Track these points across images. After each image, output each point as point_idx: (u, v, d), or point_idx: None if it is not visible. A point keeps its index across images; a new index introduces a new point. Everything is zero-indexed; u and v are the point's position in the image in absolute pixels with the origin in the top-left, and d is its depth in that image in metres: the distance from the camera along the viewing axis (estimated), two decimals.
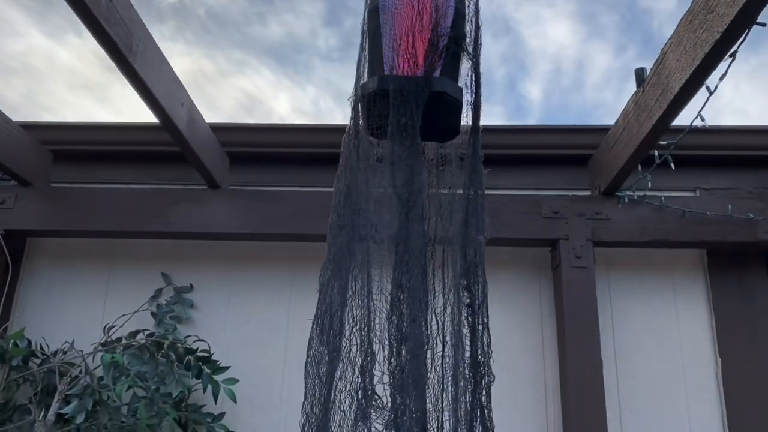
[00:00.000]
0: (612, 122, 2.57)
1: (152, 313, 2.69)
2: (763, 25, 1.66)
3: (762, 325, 2.62)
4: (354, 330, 1.19)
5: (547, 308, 2.70)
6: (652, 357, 2.63)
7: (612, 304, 2.69)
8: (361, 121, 1.30)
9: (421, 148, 1.22)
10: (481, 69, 1.31)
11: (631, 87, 2.36)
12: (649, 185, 2.54)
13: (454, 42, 1.25)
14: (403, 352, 1.14)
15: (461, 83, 1.32)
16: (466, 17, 1.30)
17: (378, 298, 1.16)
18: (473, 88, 1.31)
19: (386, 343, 1.15)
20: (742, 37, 1.70)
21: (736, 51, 1.74)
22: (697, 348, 2.64)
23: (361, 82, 1.30)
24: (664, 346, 2.64)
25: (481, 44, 1.32)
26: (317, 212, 2.67)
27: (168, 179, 2.92)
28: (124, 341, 2.49)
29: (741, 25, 1.65)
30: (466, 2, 1.31)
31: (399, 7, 1.24)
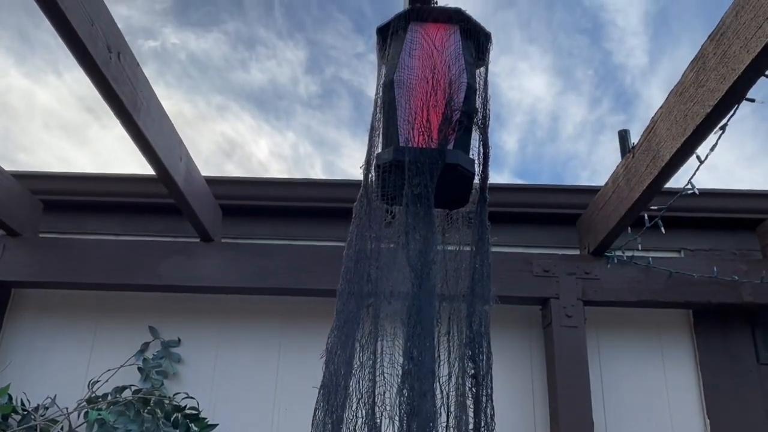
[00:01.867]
0: (586, 174, 2.71)
1: (139, 368, 2.64)
2: (753, 101, 1.73)
3: (748, 385, 2.66)
4: (360, 402, 1.19)
5: (538, 366, 2.71)
6: (642, 418, 2.64)
7: (601, 363, 2.71)
8: (374, 189, 1.32)
9: (434, 219, 1.25)
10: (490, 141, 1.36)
11: (605, 140, 2.47)
12: (639, 247, 2.60)
13: (466, 116, 1.29)
14: (414, 427, 1.13)
15: (471, 153, 1.36)
16: (477, 92, 1.34)
17: (389, 371, 1.16)
18: (482, 159, 1.35)
19: (396, 417, 1.14)
20: (732, 112, 1.78)
21: (726, 124, 1.82)
22: (685, 408, 2.66)
23: (375, 152, 1.33)
24: (653, 407, 2.66)
25: (489, 117, 1.37)
26: (309, 266, 2.67)
27: (159, 231, 2.91)
28: (109, 397, 2.43)
29: (731, 100, 1.73)
30: (477, 78, 1.35)
31: (414, 83, 1.28)
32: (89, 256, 2.70)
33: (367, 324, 1.19)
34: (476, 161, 1.35)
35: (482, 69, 1.39)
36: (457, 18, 1.35)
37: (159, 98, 2.13)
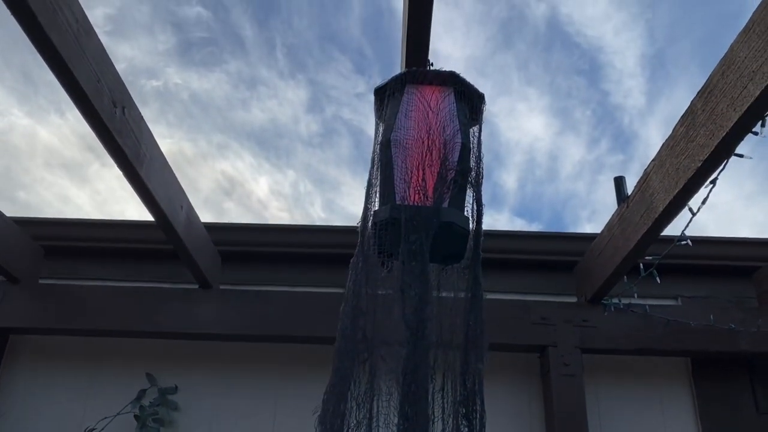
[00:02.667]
0: (585, 213, 2.72)
1: (135, 416, 2.62)
2: (741, 156, 1.77)
3: None
4: None
5: (537, 415, 2.69)
6: None
7: (600, 411, 2.70)
8: (370, 245, 1.34)
9: (430, 276, 1.27)
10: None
11: (604, 179, 2.49)
12: (635, 296, 2.61)
13: (461, 175, 1.33)
14: None
15: (465, 211, 1.39)
16: (471, 151, 1.38)
17: (384, 430, 1.17)
18: (475, 217, 1.38)
19: None
20: (722, 166, 1.82)
21: (716, 178, 1.85)
22: None
23: (372, 208, 1.36)
24: None
25: (483, 176, 1.40)
26: (307, 313, 2.68)
27: (158, 277, 2.92)
28: None
29: (720, 155, 1.77)
30: (471, 137, 1.39)
31: (410, 143, 1.32)
32: (87, 302, 2.71)
33: (363, 382, 1.21)
34: (470, 218, 1.38)
35: (476, 128, 1.43)
36: (451, 80, 1.40)
37: (161, 137, 2.17)
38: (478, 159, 1.40)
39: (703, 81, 1.81)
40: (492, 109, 1.48)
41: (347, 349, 1.24)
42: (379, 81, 1.48)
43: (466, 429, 1.23)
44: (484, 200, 1.40)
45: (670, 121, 2.04)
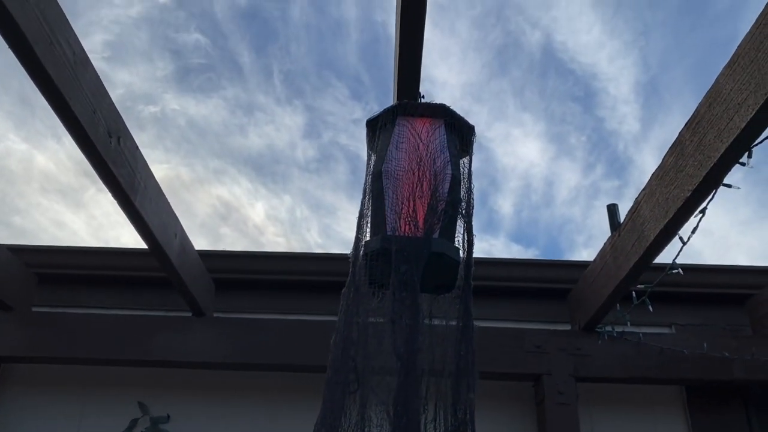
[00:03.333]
0: (581, 239, 2.73)
1: None
2: (729, 186, 1.80)
3: None
4: None
5: None
6: None
7: None
8: (362, 276, 1.35)
9: (420, 306, 1.28)
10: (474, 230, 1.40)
11: (600, 205, 2.50)
12: (628, 324, 2.61)
13: (451, 206, 1.34)
14: None
15: (456, 241, 1.40)
16: (461, 182, 1.40)
17: None
18: (466, 247, 1.39)
19: None
20: (711, 196, 1.84)
21: (705, 208, 1.87)
22: None
23: (364, 238, 1.37)
24: None
25: (473, 206, 1.42)
26: (301, 341, 2.67)
27: (151, 304, 2.92)
28: None
29: (709, 185, 1.79)
30: (461, 169, 1.41)
31: (401, 174, 1.34)
32: (80, 330, 2.70)
33: (354, 414, 1.20)
34: (461, 248, 1.39)
35: (466, 160, 1.45)
36: (442, 113, 1.42)
37: (157, 163, 2.17)
38: (469, 190, 1.42)
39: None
40: (488, 134, 1.51)
41: (337, 381, 1.24)
42: (376, 107, 1.51)
43: None
44: (479, 227, 1.41)
45: (664, 147, 2.06)
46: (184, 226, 2.57)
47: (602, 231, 2.51)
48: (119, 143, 1.89)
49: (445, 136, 1.39)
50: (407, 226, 1.31)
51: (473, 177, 1.44)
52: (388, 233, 1.32)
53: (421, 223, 1.31)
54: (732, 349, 2.66)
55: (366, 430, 1.17)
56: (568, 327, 2.83)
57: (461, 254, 1.37)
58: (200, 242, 2.63)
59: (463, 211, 1.38)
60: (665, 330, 2.88)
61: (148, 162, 2.15)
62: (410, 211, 1.31)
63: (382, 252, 1.30)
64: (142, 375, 2.79)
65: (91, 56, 1.73)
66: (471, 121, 1.49)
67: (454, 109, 1.44)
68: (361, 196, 1.45)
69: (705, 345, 2.64)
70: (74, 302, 2.92)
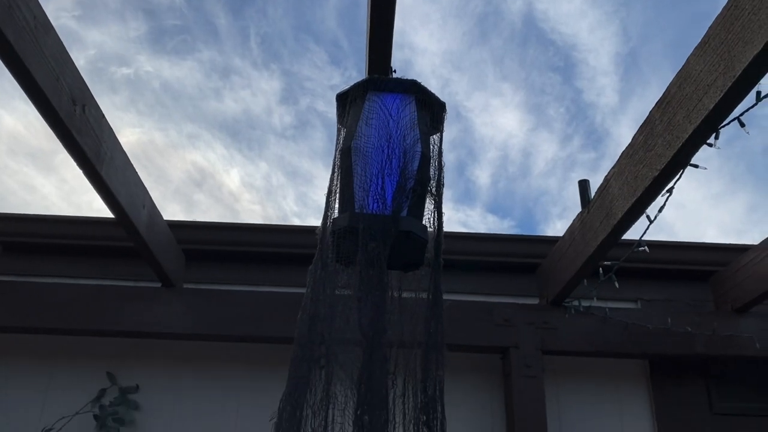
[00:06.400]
0: (557, 210, 2.77)
1: (95, 416, 2.58)
2: (696, 166, 1.82)
3: None
4: None
5: (498, 414, 2.72)
6: None
7: (560, 412, 2.74)
8: (329, 253, 1.35)
9: (387, 284, 1.28)
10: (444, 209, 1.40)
11: (576, 176, 2.51)
12: (595, 299, 2.66)
13: (420, 184, 1.34)
14: None
15: (425, 219, 1.40)
16: (431, 161, 1.39)
17: None
18: (435, 226, 1.39)
19: None
20: (678, 176, 1.86)
21: (672, 187, 1.90)
22: None
23: (332, 215, 1.36)
24: None
25: (443, 185, 1.41)
26: (270, 313, 2.67)
27: (120, 275, 2.89)
28: None
29: (677, 165, 1.81)
30: (431, 147, 1.40)
31: (370, 151, 1.32)
32: (48, 300, 2.66)
33: (320, 389, 1.21)
34: (431, 227, 1.39)
35: (437, 137, 1.44)
36: (413, 89, 1.41)
37: (130, 126, 2.14)
38: (439, 168, 1.41)
39: None
40: (467, 104, 1.50)
41: (304, 357, 1.25)
42: (355, 74, 1.49)
43: None
44: (456, 198, 1.43)
45: (641, 120, 2.06)
46: (157, 192, 2.54)
47: (577, 203, 2.53)
48: (84, 111, 1.84)
49: (415, 113, 1.38)
50: (375, 204, 1.30)
51: (444, 154, 1.43)
52: (356, 210, 1.31)
53: (389, 201, 1.30)
54: (695, 325, 2.72)
55: (331, 406, 1.18)
56: (536, 301, 2.87)
57: (432, 232, 1.37)
58: (174, 209, 2.59)
59: (433, 189, 1.37)
60: (631, 305, 2.94)
61: (121, 125, 2.11)
62: (379, 188, 1.31)
63: (350, 229, 1.29)
64: (110, 345, 2.77)
65: (60, 15, 1.68)
66: (451, 90, 1.48)
67: (427, 84, 1.42)
68: (330, 172, 1.44)
69: (669, 320, 2.70)
70: (41, 272, 2.87)
